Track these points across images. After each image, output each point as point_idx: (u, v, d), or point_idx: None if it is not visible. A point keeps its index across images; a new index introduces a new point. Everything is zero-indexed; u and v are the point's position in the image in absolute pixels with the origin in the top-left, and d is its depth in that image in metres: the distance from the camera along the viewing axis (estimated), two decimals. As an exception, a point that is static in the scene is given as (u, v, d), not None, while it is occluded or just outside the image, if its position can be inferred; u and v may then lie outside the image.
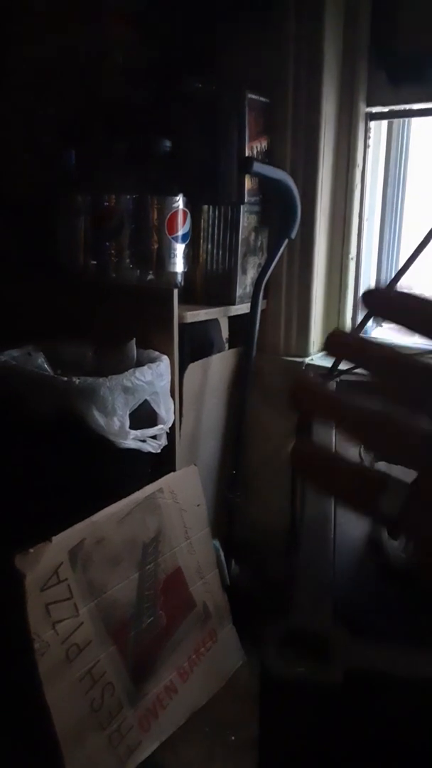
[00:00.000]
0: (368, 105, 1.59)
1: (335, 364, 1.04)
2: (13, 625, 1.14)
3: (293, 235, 1.54)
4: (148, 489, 1.39)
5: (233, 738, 1.34)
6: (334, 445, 0.79)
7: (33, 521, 1.28)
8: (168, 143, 1.48)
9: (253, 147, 1.53)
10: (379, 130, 1.64)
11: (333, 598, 0.50)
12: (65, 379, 1.30)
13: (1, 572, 1.14)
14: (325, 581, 0.51)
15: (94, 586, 1.26)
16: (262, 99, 1.53)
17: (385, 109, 1.59)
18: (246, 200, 1.53)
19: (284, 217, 1.53)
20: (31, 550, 1.15)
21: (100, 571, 1.27)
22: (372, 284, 1.75)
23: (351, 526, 0.59)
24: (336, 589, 0.51)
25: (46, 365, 1.45)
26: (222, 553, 1.61)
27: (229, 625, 1.56)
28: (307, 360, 1.66)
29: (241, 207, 1.54)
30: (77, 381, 1.29)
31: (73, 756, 1.16)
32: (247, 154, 1.49)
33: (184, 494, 1.47)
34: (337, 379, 1.05)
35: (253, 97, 1.50)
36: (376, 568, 0.55)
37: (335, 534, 0.58)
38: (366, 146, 1.63)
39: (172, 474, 1.47)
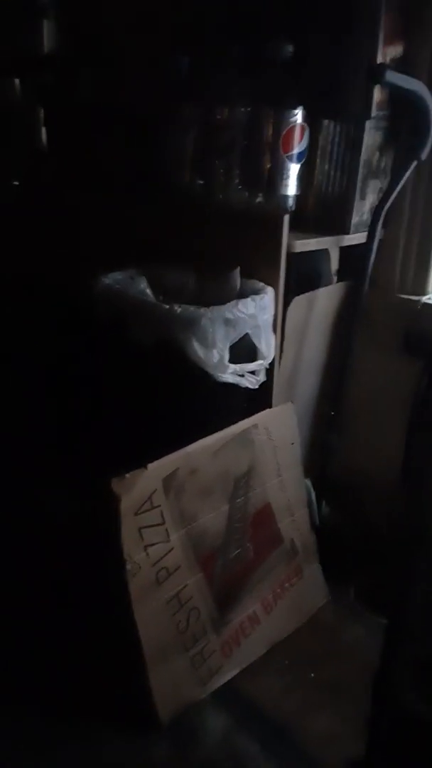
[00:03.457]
0: None
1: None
2: (108, 546, 1.17)
3: (423, 156, 1.36)
4: (243, 424, 1.37)
5: (312, 675, 1.35)
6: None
7: (131, 448, 1.29)
8: (290, 48, 1.33)
9: (387, 53, 1.35)
10: None
11: None
12: (167, 306, 1.26)
13: (99, 496, 1.16)
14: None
15: (186, 515, 1.27)
16: (401, -6, 1.33)
17: None
18: (373, 115, 1.37)
19: (415, 135, 1.36)
20: (128, 476, 1.17)
21: (192, 501, 1.28)
22: None
23: None
24: None
25: (148, 290, 1.41)
26: (313, 493, 1.58)
27: (316, 563, 1.55)
28: (424, 299, 1.52)
29: (366, 123, 1.38)
30: (178, 309, 1.25)
31: (157, 673, 1.21)
32: (379, 61, 1.32)
33: (278, 431, 1.44)
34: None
35: (392, -8, 1.31)
36: None
37: None
38: None
39: (268, 410, 1.43)
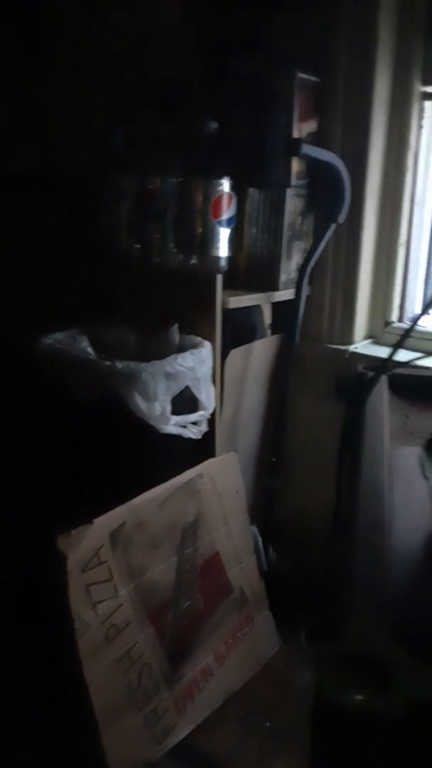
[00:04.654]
0: (424, 84, 1.53)
1: (391, 356, 1.01)
2: (55, 605, 1.16)
3: (341, 219, 1.50)
4: (188, 474, 1.40)
5: (268, 724, 1.34)
6: (386, 438, 0.77)
7: (75, 502, 1.30)
8: (215, 124, 1.45)
9: (302, 128, 1.49)
10: (433, 110, 1.58)
11: (391, 616, 0.48)
12: (108, 363, 1.30)
13: (44, 553, 1.16)
14: (380, 596, 0.49)
15: (134, 569, 1.27)
16: (312, 78, 1.48)
17: (441, 88, 1.52)
18: (293, 183, 1.50)
19: (332, 200, 1.49)
20: (74, 532, 1.17)
21: (140, 554, 1.28)
22: (422, 271, 1.70)
23: (408, 533, 0.57)
24: (394, 605, 0.49)
25: (89, 349, 1.45)
26: (260, 539, 1.61)
27: (266, 610, 1.56)
28: (351, 348, 1.63)
29: (288, 190, 1.50)
30: (120, 365, 1.29)
31: (110, 734, 1.18)
32: (295, 136, 1.45)
33: (223, 480, 1.47)
34: (389, 373, 1.01)
35: (303, 76, 1.46)
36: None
37: (391, 544, 0.55)
38: (420, 127, 1.57)
39: (211, 460, 1.47)
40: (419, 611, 0.50)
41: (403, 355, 1.15)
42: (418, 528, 0.59)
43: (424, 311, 0.99)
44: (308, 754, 0.48)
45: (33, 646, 1.37)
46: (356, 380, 0.98)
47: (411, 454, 0.58)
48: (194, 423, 1.39)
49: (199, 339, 1.44)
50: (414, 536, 0.58)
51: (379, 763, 0.43)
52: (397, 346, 1.01)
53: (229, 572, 1.48)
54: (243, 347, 1.56)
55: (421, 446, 0.57)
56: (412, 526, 0.59)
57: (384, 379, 0.97)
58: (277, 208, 1.52)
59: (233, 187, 1.44)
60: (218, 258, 1.47)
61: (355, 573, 0.50)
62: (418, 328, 1.61)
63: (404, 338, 1.02)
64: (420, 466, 0.55)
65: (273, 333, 1.65)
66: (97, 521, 1.20)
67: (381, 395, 0.89)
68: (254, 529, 1.59)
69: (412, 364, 1.07)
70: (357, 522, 0.56)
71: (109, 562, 1.23)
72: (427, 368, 1.22)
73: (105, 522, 1.22)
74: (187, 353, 1.36)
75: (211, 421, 1.45)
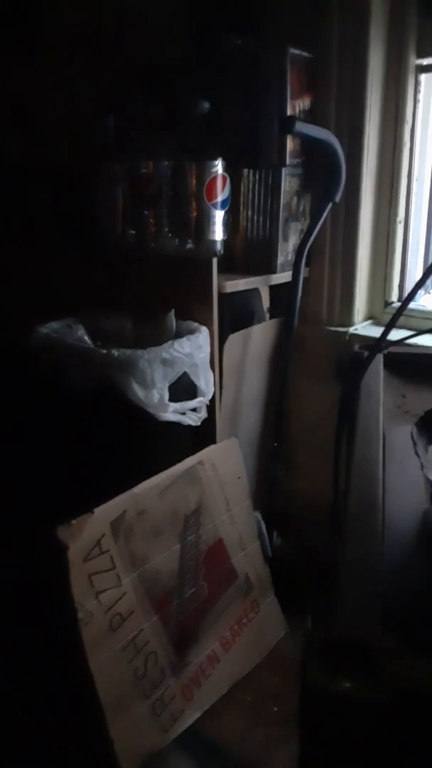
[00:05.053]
0: (418, 57, 1.50)
1: (384, 335, 0.99)
2: (57, 596, 1.16)
3: (338, 198, 1.47)
4: (189, 461, 1.39)
5: (275, 709, 1.34)
6: (380, 418, 0.75)
7: (75, 493, 1.29)
8: (206, 105, 1.42)
9: (296, 106, 1.46)
10: (429, 83, 1.54)
11: (381, 602, 0.47)
12: (104, 351, 1.29)
13: (45, 544, 1.15)
14: (371, 582, 0.48)
15: (137, 557, 1.27)
16: (304, 54, 1.45)
17: (437, 60, 1.49)
18: (287, 162, 1.47)
19: (328, 179, 1.46)
20: (74, 522, 1.16)
21: (142, 543, 1.28)
22: (422, 249, 1.67)
23: (401, 514, 0.55)
24: (384, 592, 0.48)
25: (86, 337, 1.44)
26: (263, 525, 1.60)
27: (272, 596, 1.55)
28: (351, 330, 1.61)
29: (282, 170, 1.47)
30: (116, 353, 1.28)
31: (117, 723, 1.18)
32: (289, 113, 1.42)
33: (224, 466, 1.46)
34: (385, 352, 1.00)
35: (296, 52, 1.43)
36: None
37: (383, 523, 0.54)
38: (416, 101, 1.53)
39: (212, 446, 1.46)
40: (411, 594, 0.49)
41: (401, 334, 1.13)
42: (411, 508, 0.57)
43: (415, 290, 0.97)
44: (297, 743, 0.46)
45: (37, 640, 1.37)
46: (351, 360, 0.97)
47: (406, 434, 0.56)
48: (193, 410, 1.37)
49: (196, 324, 1.43)
50: (408, 516, 0.57)
51: (367, 751, 0.42)
52: (390, 324, 0.99)
53: (233, 558, 1.47)
54: (241, 332, 1.54)
55: (413, 424, 0.56)
56: (406, 506, 0.57)
57: (379, 359, 0.95)
58: (272, 189, 1.49)
59: (227, 169, 1.42)
60: (214, 242, 1.45)
61: (346, 554, 0.49)
62: (417, 307, 1.59)
63: (397, 317, 1.00)
64: (412, 443, 0.54)
65: (272, 317, 1.63)
66: (98, 510, 1.20)
67: (376, 374, 0.88)
68: (257, 514, 1.59)
69: (409, 342, 1.05)
70: (349, 502, 0.55)
71: (111, 552, 1.22)
72: (424, 347, 1.20)
73: (105, 511, 1.22)
74: (184, 339, 1.34)
75: (211, 407, 1.44)
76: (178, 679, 1.31)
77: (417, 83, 1.52)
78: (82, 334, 1.44)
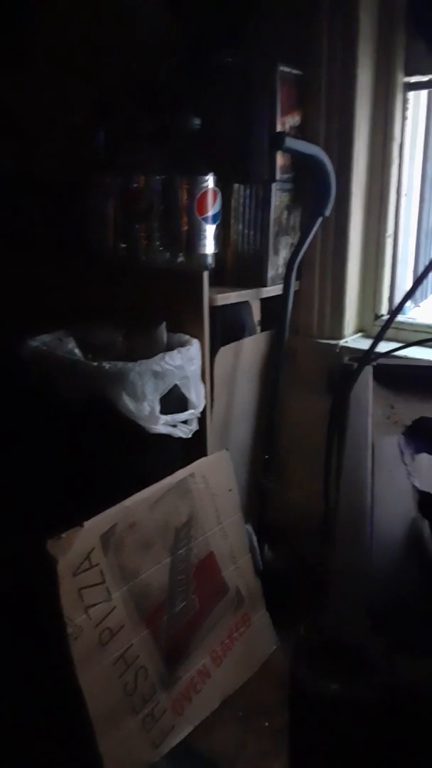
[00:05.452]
0: (406, 74, 1.53)
1: (372, 347, 1.00)
2: (47, 610, 1.15)
3: (327, 212, 1.48)
4: (180, 474, 1.38)
5: (267, 724, 1.33)
6: (369, 429, 0.76)
7: (66, 505, 1.28)
8: (197, 120, 1.44)
9: (285, 122, 1.48)
10: (417, 101, 1.57)
11: (370, 605, 0.47)
12: (95, 364, 1.29)
13: (34, 557, 1.14)
14: (360, 585, 0.48)
15: (127, 571, 1.26)
16: (294, 71, 1.48)
17: (425, 78, 1.52)
18: (278, 178, 1.49)
19: (318, 194, 1.48)
20: (63, 536, 1.16)
21: (132, 556, 1.27)
22: (410, 263, 1.69)
23: (390, 522, 0.56)
24: (373, 596, 0.48)
25: (76, 350, 1.44)
26: (254, 538, 1.60)
27: (263, 610, 1.55)
28: (341, 342, 1.62)
29: (273, 185, 1.49)
30: (107, 366, 1.28)
31: (107, 739, 1.17)
32: (278, 130, 1.44)
33: (215, 479, 1.46)
34: (374, 363, 1.00)
35: (285, 69, 1.45)
36: (419, 570, 0.51)
37: (372, 530, 0.54)
38: (404, 118, 1.56)
39: (203, 459, 1.46)
40: (399, 599, 0.49)
41: (390, 346, 1.14)
42: (400, 517, 0.58)
43: (402, 303, 0.98)
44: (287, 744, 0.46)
45: (27, 653, 1.35)
46: (341, 372, 0.97)
47: (394, 444, 0.57)
48: (184, 422, 1.37)
49: (187, 337, 1.43)
50: (396, 525, 0.57)
51: (355, 752, 0.42)
52: (378, 337, 1.01)
53: (224, 572, 1.46)
54: (232, 344, 1.55)
55: (401, 433, 0.56)
56: (395, 515, 0.58)
57: (369, 371, 0.96)
58: (262, 203, 1.51)
59: (218, 183, 1.43)
60: (205, 255, 1.46)
61: (336, 561, 0.49)
62: (406, 319, 1.61)
63: (385, 329, 1.01)
64: (400, 452, 0.54)
65: (263, 329, 1.64)
66: (87, 524, 1.19)
67: (366, 386, 0.88)
68: (249, 527, 1.58)
69: (398, 354, 1.06)
70: (339, 510, 0.55)
71: (101, 565, 1.21)
72: (412, 359, 1.21)
73: (95, 524, 1.21)
74: (175, 351, 1.35)
75: (202, 419, 1.44)
76: (169, 694, 1.30)
77: (405, 100, 1.55)
78: (73, 347, 1.44)
